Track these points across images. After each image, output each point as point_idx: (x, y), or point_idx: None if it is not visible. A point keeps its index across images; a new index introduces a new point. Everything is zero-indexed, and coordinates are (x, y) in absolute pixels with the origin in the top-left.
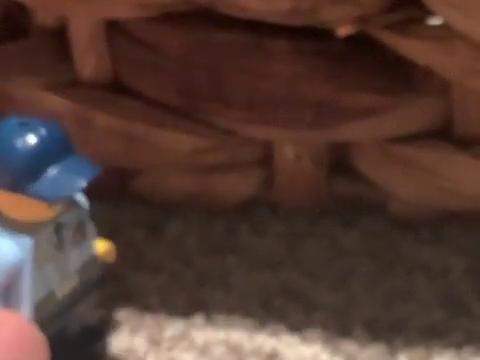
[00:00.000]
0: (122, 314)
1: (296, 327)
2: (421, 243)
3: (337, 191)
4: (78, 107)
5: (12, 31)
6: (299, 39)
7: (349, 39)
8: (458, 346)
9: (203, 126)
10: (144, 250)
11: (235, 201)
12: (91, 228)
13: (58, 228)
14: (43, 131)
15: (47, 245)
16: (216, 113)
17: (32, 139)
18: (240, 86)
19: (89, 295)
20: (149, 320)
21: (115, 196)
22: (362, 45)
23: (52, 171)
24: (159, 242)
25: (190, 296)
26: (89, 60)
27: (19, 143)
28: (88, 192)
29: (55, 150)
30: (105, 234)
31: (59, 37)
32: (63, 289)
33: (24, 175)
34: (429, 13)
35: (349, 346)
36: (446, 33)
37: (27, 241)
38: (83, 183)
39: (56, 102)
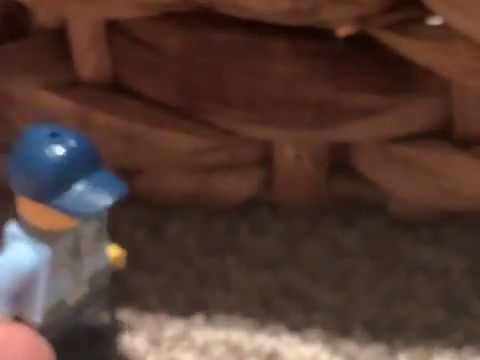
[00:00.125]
0: (122, 314)
1: (296, 327)
2: (421, 243)
3: (337, 191)
4: (78, 107)
5: (12, 31)
6: (299, 39)
7: (349, 39)
8: (458, 346)
9: (203, 126)
10: (144, 250)
11: (235, 201)
12: (105, 235)
13: (77, 237)
14: (73, 143)
15: (65, 254)
16: (216, 113)
17: (61, 151)
18: (240, 86)
19: (97, 300)
20: (149, 320)
21: None
22: (362, 45)
23: (79, 187)
24: (159, 242)
25: (190, 296)
26: (89, 60)
27: (48, 154)
28: None
29: (83, 163)
30: None
31: (59, 37)
32: (74, 296)
33: (51, 187)
34: (429, 13)
35: (349, 346)
36: (446, 33)
37: (45, 249)
38: (109, 201)
39: (56, 102)
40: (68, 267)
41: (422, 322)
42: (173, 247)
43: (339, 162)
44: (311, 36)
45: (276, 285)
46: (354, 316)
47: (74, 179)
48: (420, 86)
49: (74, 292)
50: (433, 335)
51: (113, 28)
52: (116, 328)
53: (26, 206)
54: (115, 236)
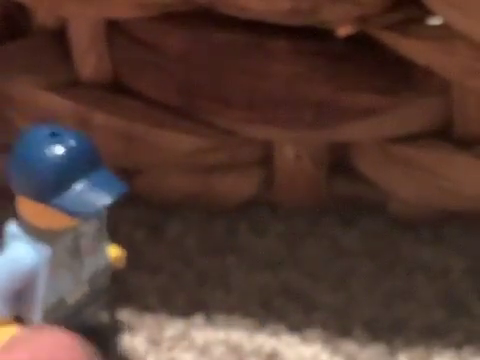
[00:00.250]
0: (122, 314)
1: (296, 327)
2: (421, 243)
3: (337, 191)
4: (78, 107)
5: (12, 31)
6: (299, 39)
7: (349, 39)
8: (458, 346)
9: (203, 126)
10: (144, 250)
11: (235, 201)
12: (105, 235)
13: (77, 237)
14: (72, 143)
15: (64, 254)
16: (216, 113)
17: (61, 151)
18: (240, 86)
19: (97, 300)
20: (149, 320)
21: None
22: (362, 45)
23: (79, 186)
24: (159, 242)
25: (190, 296)
26: (89, 60)
27: (48, 154)
28: None
29: (83, 163)
30: None
31: (59, 37)
32: (74, 296)
33: (51, 186)
34: (429, 13)
35: (349, 346)
36: (446, 33)
37: (45, 249)
38: (109, 201)
39: (56, 102)
40: (68, 267)
41: (422, 322)
42: (173, 247)
43: (339, 162)
44: (311, 36)
45: (276, 285)
46: (354, 316)
47: (74, 179)
48: (420, 86)
49: (74, 291)
50: (433, 335)
51: (113, 28)
52: (116, 328)
53: (26, 206)
54: (115, 236)
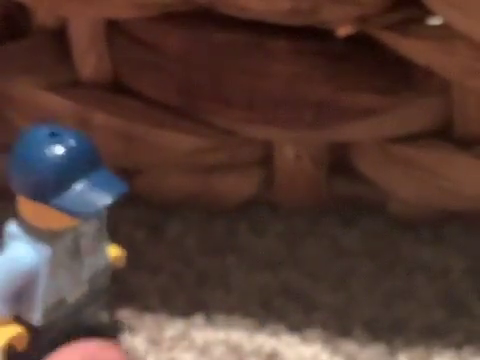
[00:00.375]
0: (122, 314)
1: (296, 327)
2: (421, 243)
3: (337, 191)
4: (78, 107)
5: (12, 31)
6: (299, 39)
7: (349, 39)
8: (458, 346)
9: (203, 126)
10: (144, 250)
11: (235, 201)
12: (105, 235)
13: (77, 237)
14: (72, 142)
15: (64, 254)
16: (216, 113)
17: (61, 151)
18: (240, 86)
19: (97, 300)
20: (149, 320)
21: None
22: (362, 45)
23: (79, 186)
24: (159, 242)
25: (190, 296)
26: (89, 60)
27: (48, 154)
28: None
29: (83, 163)
30: None
31: (59, 37)
32: (74, 295)
33: (51, 186)
34: (429, 13)
35: (349, 346)
36: (446, 33)
37: (45, 249)
38: (109, 200)
39: (56, 102)
40: (68, 266)
41: (422, 322)
42: (173, 247)
43: (339, 162)
44: (311, 36)
45: (276, 285)
46: (354, 316)
47: (74, 179)
48: (420, 86)
49: (74, 291)
50: (433, 335)
51: (113, 28)
52: (116, 328)
53: (26, 206)
54: (115, 236)
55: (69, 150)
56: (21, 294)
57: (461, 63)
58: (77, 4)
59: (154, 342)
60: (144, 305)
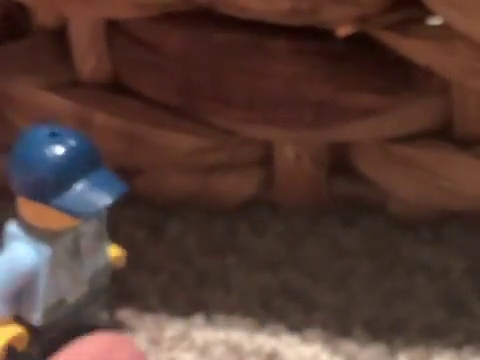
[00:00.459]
0: (122, 314)
1: (296, 327)
2: (421, 243)
3: (337, 191)
4: (78, 107)
5: (12, 31)
6: (299, 39)
7: (349, 39)
8: (458, 346)
9: (203, 126)
10: (144, 250)
11: (235, 201)
12: (105, 235)
13: (77, 237)
14: (72, 142)
15: (64, 254)
16: (216, 113)
17: (61, 151)
18: (240, 86)
19: (97, 300)
20: (149, 320)
21: None
22: (362, 45)
23: (79, 186)
24: (159, 242)
25: (190, 296)
26: (89, 60)
27: (48, 154)
28: None
29: (83, 163)
30: None
31: (59, 37)
32: (74, 295)
33: (51, 186)
34: (429, 13)
35: (349, 346)
36: (446, 33)
37: (45, 249)
38: (109, 201)
39: (56, 102)
40: (68, 267)
41: (422, 322)
42: (173, 247)
43: (339, 162)
44: (311, 36)
45: (276, 285)
46: (354, 316)
47: (74, 179)
48: (420, 86)
49: (74, 291)
50: (433, 335)
51: (113, 28)
52: (116, 328)
53: (26, 206)
54: (115, 236)
55: (69, 150)
56: (21, 294)
57: (461, 63)
58: (77, 4)
59: (154, 342)
60: (144, 305)
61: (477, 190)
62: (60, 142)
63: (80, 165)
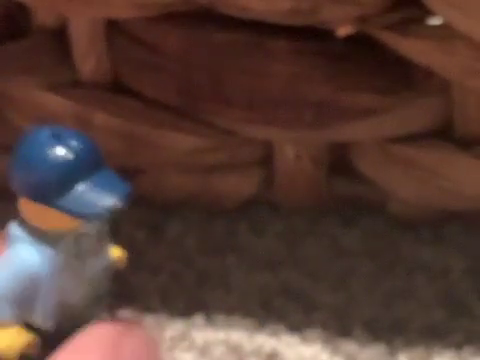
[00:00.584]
0: (122, 314)
1: (296, 327)
2: (421, 243)
3: (337, 191)
4: (78, 107)
5: (12, 31)
6: (299, 39)
7: (349, 39)
8: (458, 346)
9: (203, 126)
10: (144, 250)
11: (235, 201)
12: (107, 236)
13: (79, 238)
14: (75, 143)
15: (67, 255)
16: (216, 113)
17: (64, 152)
18: (240, 86)
19: (99, 300)
20: (149, 320)
21: None
22: (362, 45)
23: (82, 187)
24: (159, 242)
25: (190, 296)
26: (89, 60)
27: (51, 155)
28: None
29: (86, 164)
30: None
31: (59, 37)
32: (76, 297)
33: (54, 188)
34: (429, 13)
35: (349, 346)
36: (446, 33)
37: (49, 250)
38: (113, 201)
39: (56, 102)
40: (71, 268)
41: (422, 322)
42: (173, 247)
43: (339, 162)
44: (311, 36)
45: (276, 285)
46: (354, 316)
47: (77, 180)
48: (420, 86)
49: (77, 292)
50: (433, 335)
51: (113, 28)
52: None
53: (28, 207)
54: (116, 236)
55: (71, 151)
56: (25, 297)
57: (461, 63)
58: (77, 4)
59: None
60: (144, 305)
61: (477, 190)
62: (63, 143)
63: (83, 166)
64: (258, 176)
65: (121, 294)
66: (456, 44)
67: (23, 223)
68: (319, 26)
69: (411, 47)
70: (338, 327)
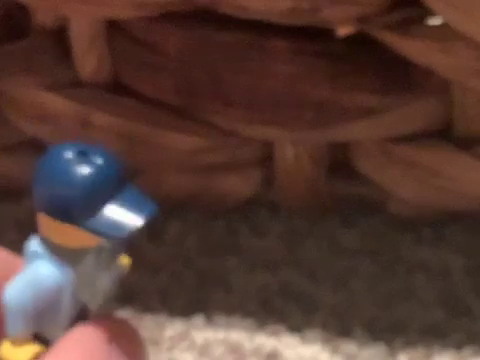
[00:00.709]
0: (122, 314)
1: (296, 327)
2: (421, 243)
3: (337, 191)
4: (78, 107)
5: (12, 31)
6: (299, 39)
7: (349, 39)
8: (458, 346)
9: (203, 126)
10: (144, 250)
11: (235, 201)
12: (122, 247)
13: (98, 253)
14: (103, 162)
15: (86, 270)
16: (216, 113)
17: (93, 172)
18: (240, 86)
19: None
20: (149, 320)
21: None
22: (362, 45)
23: (110, 207)
24: (159, 242)
25: (190, 296)
26: (89, 60)
27: (79, 175)
28: None
29: (113, 183)
30: None
31: (59, 37)
32: (93, 307)
33: (81, 208)
34: (429, 13)
35: (349, 346)
36: (446, 33)
37: (68, 267)
38: (140, 221)
39: (56, 102)
40: (88, 282)
41: (422, 322)
42: (173, 247)
43: (339, 162)
44: (311, 36)
45: (276, 285)
46: (354, 316)
47: (105, 200)
48: (420, 86)
49: (92, 304)
50: (433, 335)
51: (113, 28)
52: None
53: (49, 224)
54: None
55: (100, 170)
56: (41, 312)
57: (461, 63)
58: (77, 4)
59: (154, 342)
60: (144, 305)
61: (477, 190)
62: (91, 162)
63: (110, 185)
64: (258, 176)
65: (121, 294)
66: (456, 44)
67: (42, 239)
68: (319, 26)
69: (411, 47)
70: (338, 327)
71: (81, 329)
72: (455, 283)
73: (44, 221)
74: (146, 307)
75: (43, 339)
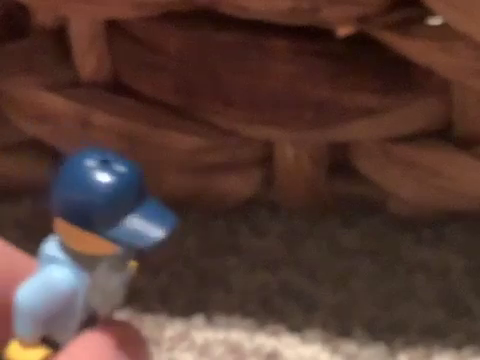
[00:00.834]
0: (122, 314)
1: (296, 327)
2: (421, 243)
3: (337, 191)
4: (78, 107)
5: (12, 31)
6: (299, 39)
7: (349, 39)
8: (458, 346)
9: (203, 126)
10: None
11: (235, 201)
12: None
13: (113, 259)
14: (125, 171)
15: (100, 275)
16: (216, 113)
17: (114, 180)
18: (240, 86)
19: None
20: (149, 320)
21: None
22: (362, 45)
23: (132, 218)
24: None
25: (190, 296)
26: (89, 60)
27: (101, 184)
28: None
29: (135, 193)
30: None
31: (59, 37)
32: (103, 311)
33: (105, 218)
34: (429, 13)
35: (349, 346)
36: (446, 33)
37: (82, 272)
38: (162, 233)
39: (56, 102)
40: (101, 287)
41: (422, 322)
42: (173, 247)
43: (339, 162)
44: (311, 36)
45: (276, 285)
46: (354, 316)
47: (127, 210)
48: (420, 86)
49: (103, 309)
50: (433, 335)
51: (113, 28)
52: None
53: (66, 230)
54: None
55: (122, 180)
56: (53, 317)
57: (461, 63)
58: (77, 4)
59: (154, 342)
60: (144, 305)
61: (477, 190)
62: (114, 171)
63: (132, 195)
64: (258, 176)
65: None
66: (456, 44)
67: (58, 243)
68: (319, 26)
69: (411, 47)
70: (338, 327)
71: (89, 335)
72: (455, 283)
73: (62, 226)
74: (146, 307)
75: (51, 342)
